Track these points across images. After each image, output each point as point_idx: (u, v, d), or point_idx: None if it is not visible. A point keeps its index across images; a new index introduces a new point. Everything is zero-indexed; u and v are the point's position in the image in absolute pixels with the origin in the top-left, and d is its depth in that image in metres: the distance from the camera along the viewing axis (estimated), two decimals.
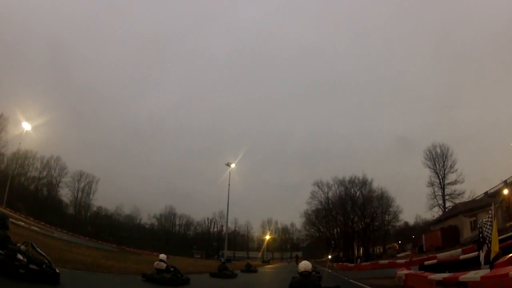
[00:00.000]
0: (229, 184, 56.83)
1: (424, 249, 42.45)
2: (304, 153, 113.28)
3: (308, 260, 7.82)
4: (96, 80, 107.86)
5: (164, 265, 16.34)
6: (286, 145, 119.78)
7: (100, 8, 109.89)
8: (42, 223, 45.27)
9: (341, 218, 68.13)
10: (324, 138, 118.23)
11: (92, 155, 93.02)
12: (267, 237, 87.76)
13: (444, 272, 11.17)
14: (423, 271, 12.44)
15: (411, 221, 76.36)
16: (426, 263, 15.06)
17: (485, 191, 46.11)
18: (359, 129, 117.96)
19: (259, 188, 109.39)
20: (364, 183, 67.06)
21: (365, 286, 17.21)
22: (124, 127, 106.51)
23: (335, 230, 70.87)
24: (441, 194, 55.92)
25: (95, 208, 75.91)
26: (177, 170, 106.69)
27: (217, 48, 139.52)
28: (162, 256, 16.91)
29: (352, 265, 42.23)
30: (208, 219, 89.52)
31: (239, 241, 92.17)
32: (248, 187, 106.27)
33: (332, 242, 68.40)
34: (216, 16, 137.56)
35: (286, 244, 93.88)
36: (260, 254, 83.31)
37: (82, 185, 73.24)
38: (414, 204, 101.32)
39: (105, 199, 75.25)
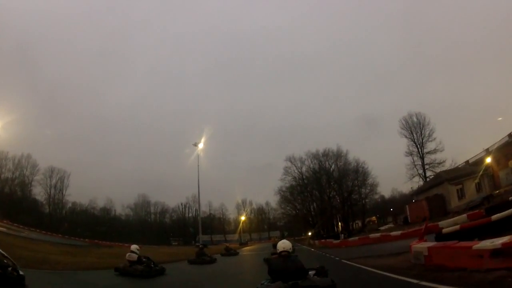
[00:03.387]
0: (198, 165, 55.19)
1: (409, 221, 41.29)
2: (274, 133, 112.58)
3: (287, 239, 7.11)
4: (64, 75, 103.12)
5: (135, 256, 15.09)
6: (256, 126, 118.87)
7: (66, 3, 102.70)
8: (15, 225, 43.52)
9: (317, 193, 66.82)
10: (295, 117, 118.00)
11: (61, 150, 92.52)
12: (243, 218, 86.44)
13: (472, 239, 8.12)
14: (456, 241, 8.45)
15: (387, 194, 77.42)
16: (445, 230, 11.42)
17: (465, 160, 46.34)
18: (330, 107, 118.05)
19: (232, 170, 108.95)
20: (339, 155, 65.73)
21: (371, 269, 11.36)
22: (92, 120, 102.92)
23: (312, 206, 69.61)
24: (420, 163, 54.44)
25: (70, 204, 73.60)
26: (149, 158, 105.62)
27: (183, 32, 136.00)
28: (133, 247, 15.69)
29: (338, 241, 37.40)
30: (182, 204, 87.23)
31: (215, 224, 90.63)
32: (220, 170, 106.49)
33: (310, 219, 67.53)
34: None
35: (263, 225, 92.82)
36: (237, 237, 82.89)
37: (54, 181, 70.79)
38: (389, 178, 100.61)
39: (78, 193, 72.86)
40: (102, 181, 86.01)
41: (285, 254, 6.01)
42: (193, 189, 76.98)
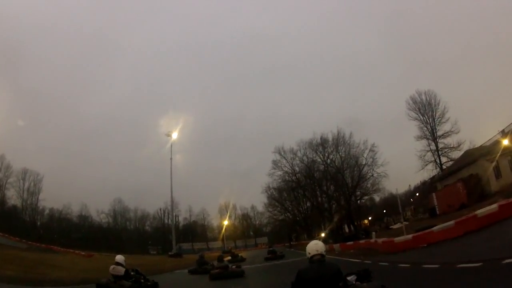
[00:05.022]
0: (171, 159, 51.99)
1: (437, 212, 34.40)
2: (258, 138, 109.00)
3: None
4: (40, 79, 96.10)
5: (122, 270, 11.66)
6: (240, 130, 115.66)
7: (44, 8, 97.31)
8: None
9: (317, 188, 57.87)
10: (277, 120, 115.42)
11: (34, 152, 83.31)
12: (225, 222, 79.52)
13: None
14: None
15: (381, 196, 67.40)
16: None
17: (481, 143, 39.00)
18: (313, 108, 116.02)
19: (215, 174, 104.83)
20: (340, 140, 55.05)
21: None
22: (68, 122, 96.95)
23: (306, 205, 62.68)
24: (433, 149, 47.45)
25: (47, 211, 68.39)
26: (127, 163, 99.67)
27: (163, 39, 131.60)
28: (119, 258, 12.19)
29: (400, 240, 19.66)
30: (160, 209, 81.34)
31: (198, 231, 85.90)
32: (202, 175, 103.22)
33: (300, 219, 60.21)
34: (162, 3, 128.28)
35: (249, 231, 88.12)
36: (221, 244, 76.98)
37: (27, 185, 65.63)
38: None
39: (53, 198, 67.21)
40: (76, 186, 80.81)
41: (318, 259, 4.83)
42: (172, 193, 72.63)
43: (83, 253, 39.25)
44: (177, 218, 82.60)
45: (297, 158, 59.26)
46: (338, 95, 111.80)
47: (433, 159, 47.31)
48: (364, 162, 53.02)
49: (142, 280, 11.94)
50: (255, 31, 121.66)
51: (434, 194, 37.96)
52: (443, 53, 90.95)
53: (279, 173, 59.80)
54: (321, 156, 57.47)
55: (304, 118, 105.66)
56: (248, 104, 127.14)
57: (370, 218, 67.49)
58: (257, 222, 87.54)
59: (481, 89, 74.21)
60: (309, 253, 4.93)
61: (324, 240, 42.32)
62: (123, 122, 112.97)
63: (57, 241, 53.09)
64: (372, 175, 52.16)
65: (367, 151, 52.84)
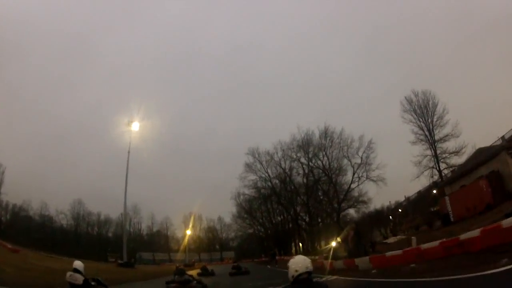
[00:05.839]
0: (128, 152, 47.64)
1: (451, 219, 29.09)
2: (228, 151, 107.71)
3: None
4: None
5: (80, 279, 10.09)
6: (210, 142, 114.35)
7: (22, 6, 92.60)
8: None
9: (295, 196, 51.50)
10: (252, 134, 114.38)
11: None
12: (188, 232, 73.95)
13: None
14: None
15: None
16: None
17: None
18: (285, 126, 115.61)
19: (182, 185, 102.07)
20: (328, 138, 48.52)
21: None
22: (34, 120, 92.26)
23: (281, 217, 57.43)
24: (431, 154, 42.45)
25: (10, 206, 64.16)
26: (92, 166, 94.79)
27: (139, 48, 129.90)
28: (77, 264, 10.51)
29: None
30: (121, 214, 73.80)
31: (161, 241, 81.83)
32: (169, 183, 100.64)
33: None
34: (141, 13, 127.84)
35: (215, 244, 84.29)
36: (185, 256, 72.06)
37: None
38: None
39: (13, 193, 62.19)
40: (37, 182, 77.02)
41: (305, 278, 3.84)
42: (134, 197, 69.61)
43: (9, 246, 36.73)
44: (139, 225, 79.19)
45: (273, 161, 53.04)
46: (319, 108, 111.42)
47: (431, 165, 42.40)
48: (359, 162, 46.97)
49: None
50: (232, 43, 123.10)
51: (447, 198, 31.78)
52: (442, 56, 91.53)
53: (252, 177, 53.67)
54: (304, 158, 50.60)
55: (281, 131, 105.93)
56: (221, 117, 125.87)
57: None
58: (223, 235, 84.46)
59: (484, 91, 71.78)
60: (296, 271, 3.91)
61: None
62: (89, 125, 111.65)
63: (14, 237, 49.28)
64: (367, 178, 46.31)
65: (362, 149, 47.27)
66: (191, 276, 18.66)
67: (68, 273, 10.25)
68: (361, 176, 46.93)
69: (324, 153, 49.39)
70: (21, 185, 66.86)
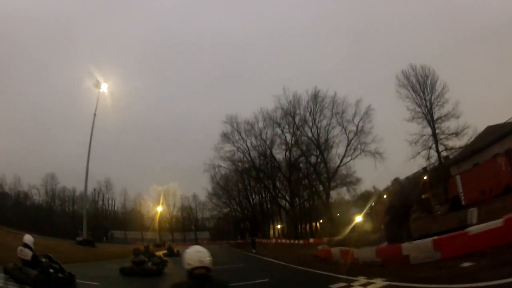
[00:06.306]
0: (94, 114, 43.35)
1: (463, 202, 23.44)
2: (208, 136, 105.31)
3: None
4: None
5: (29, 254, 9.78)
6: (192, 123, 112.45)
7: None
8: None
9: (277, 171, 46.93)
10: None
11: None
12: (159, 208, 69.09)
13: None
14: None
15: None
16: None
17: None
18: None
19: (158, 161, 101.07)
20: (318, 104, 43.06)
21: None
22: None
23: (259, 196, 53.41)
24: (430, 133, 37.45)
25: None
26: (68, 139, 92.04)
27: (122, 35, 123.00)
28: (27, 238, 10.01)
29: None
30: (94, 190, 72.61)
31: (134, 218, 77.03)
32: (145, 159, 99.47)
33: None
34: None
35: (190, 224, 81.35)
36: (157, 235, 68.99)
37: None
38: None
39: None
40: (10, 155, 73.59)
41: (203, 274, 3.22)
42: (107, 170, 68.20)
43: None
44: (113, 201, 77.29)
45: (253, 131, 47.88)
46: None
47: (429, 144, 37.69)
48: (355, 130, 42.05)
49: (52, 270, 9.66)
50: (218, 35, 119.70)
51: (458, 177, 26.17)
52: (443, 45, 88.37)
53: (229, 148, 48.60)
54: (290, 126, 45.32)
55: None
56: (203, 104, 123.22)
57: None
58: (198, 215, 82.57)
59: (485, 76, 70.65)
60: (189, 264, 3.28)
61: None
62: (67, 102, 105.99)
63: None
64: (363, 151, 41.56)
65: (358, 117, 42.13)
66: (151, 255, 17.67)
67: (19, 248, 9.90)
68: (357, 148, 42.19)
69: (313, 120, 44.22)
70: None
